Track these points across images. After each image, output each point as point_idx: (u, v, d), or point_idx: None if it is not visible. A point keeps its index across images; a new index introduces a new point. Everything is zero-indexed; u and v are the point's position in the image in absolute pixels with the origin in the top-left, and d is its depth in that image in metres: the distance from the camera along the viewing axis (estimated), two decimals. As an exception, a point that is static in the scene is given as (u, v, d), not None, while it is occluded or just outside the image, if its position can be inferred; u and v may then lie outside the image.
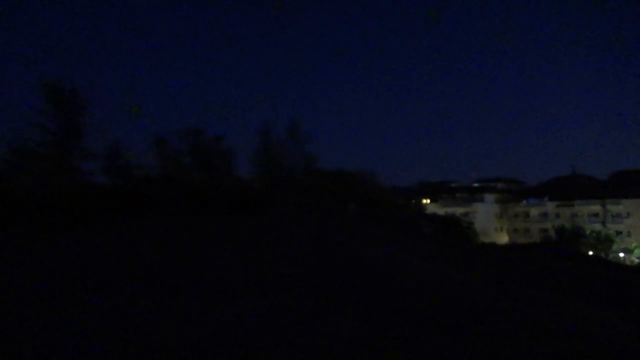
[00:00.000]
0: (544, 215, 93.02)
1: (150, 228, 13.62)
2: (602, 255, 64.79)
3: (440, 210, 78.13)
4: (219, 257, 9.15)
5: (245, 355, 4.80)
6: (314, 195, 30.23)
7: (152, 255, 9.63)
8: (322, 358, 4.92)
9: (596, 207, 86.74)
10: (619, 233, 77.71)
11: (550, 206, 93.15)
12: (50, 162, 20.85)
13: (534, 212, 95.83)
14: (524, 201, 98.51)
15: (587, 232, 73.23)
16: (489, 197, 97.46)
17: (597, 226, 79.18)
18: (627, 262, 67.12)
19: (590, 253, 62.02)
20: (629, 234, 79.53)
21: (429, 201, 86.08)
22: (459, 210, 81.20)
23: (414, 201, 61.67)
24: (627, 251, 74.93)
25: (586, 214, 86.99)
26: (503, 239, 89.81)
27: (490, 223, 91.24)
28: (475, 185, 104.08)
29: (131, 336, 5.27)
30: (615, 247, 72.79)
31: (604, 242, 71.51)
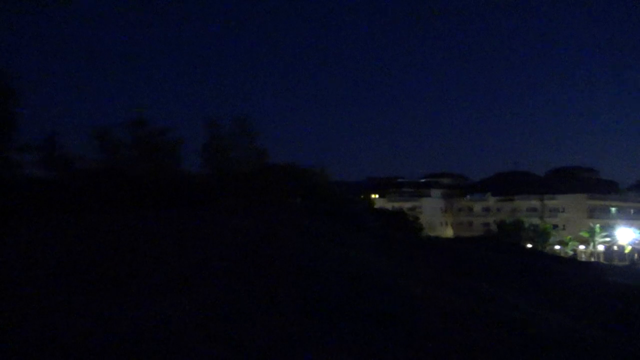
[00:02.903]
0: (487, 209, 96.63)
1: (86, 222, 13.09)
2: (540, 247, 68.09)
3: (388, 205, 79.59)
4: (156, 252, 8.89)
5: (163, 354, 4.65)
6: (262, 189, 30.00)
7: (83, 251, 9.24)
8: (246, 354, 4.83)
9: (535, 202, 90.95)
10: (555, 226, 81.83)
11: (492, 201, 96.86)
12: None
13: (477, 206, 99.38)
14: (468, 196, 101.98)
15: (526, 225, 76.74)
16: (435, 192, 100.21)
17: (536, 220, 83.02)
18: (562, 254, 70.86)
19: (529, 245, 65.02)
20: (564, 228, 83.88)
21: (377, 196, 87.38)
22: (406, 205, 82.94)
23: (362, 196, 62.39)
24: (563, 244, 79.11)
25: (525, 208, 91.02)
26: (448, 232, 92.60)
27: (436, 217, 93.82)
28: (422, 180, 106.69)
29: (47, 335, 5.01)
30: (551, 239, 76.71)
31: (542, 235, 75.20)
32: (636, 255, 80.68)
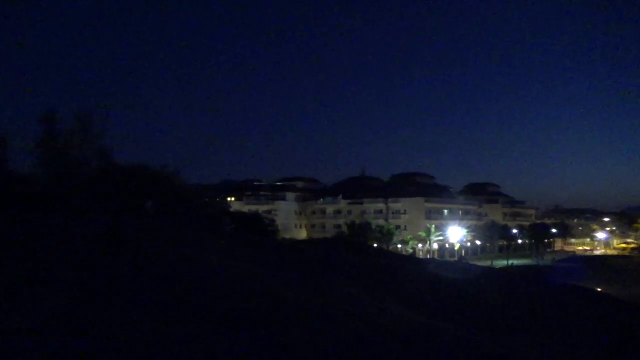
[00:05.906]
0: (338, 212, 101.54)
1: None
2: (385, 246, 73.38)
3: (244, 208, 79.27)
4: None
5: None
6: (108, 192, 27.71)
7: None
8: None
9: (381, 205, 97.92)
10: (398, 227, 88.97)
11: (343, 204, 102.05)
12: None
13: (330, 209, 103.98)
14: (321, 200, 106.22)
15: (373, 227, 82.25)
16: (290, 195, 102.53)
17: (382, 222, 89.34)
18: (404, 252, 77.22)
19: (375, 245, 69.68)
20: (405, 228, 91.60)
21: (233, 199, 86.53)
22: (262, 208, 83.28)
23: (218, 199, 61.19)
24: (404, 243, 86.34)
25: (373, 211, 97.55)
26: (302, 234, 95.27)
27: (291, 220, 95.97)
28: (278, 184, 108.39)
29: None
30: (395, 239, 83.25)
31: (387, 235, 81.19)
32: (463, 252, 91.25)
